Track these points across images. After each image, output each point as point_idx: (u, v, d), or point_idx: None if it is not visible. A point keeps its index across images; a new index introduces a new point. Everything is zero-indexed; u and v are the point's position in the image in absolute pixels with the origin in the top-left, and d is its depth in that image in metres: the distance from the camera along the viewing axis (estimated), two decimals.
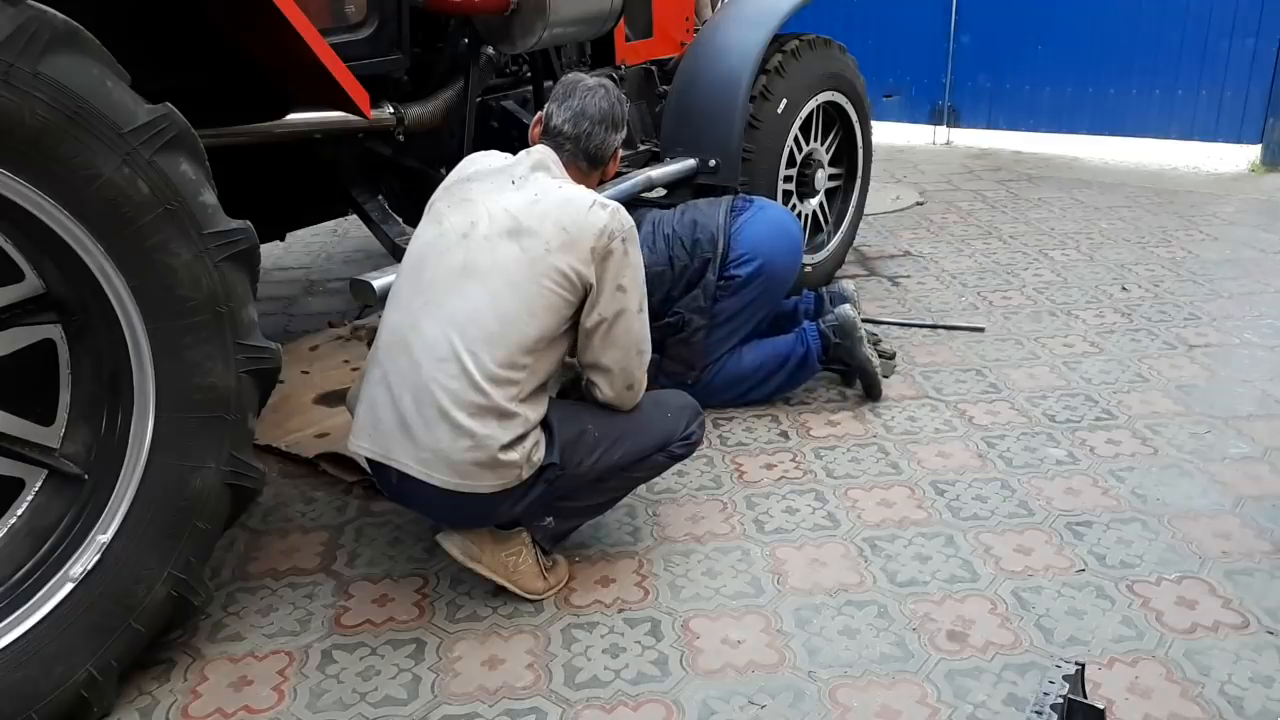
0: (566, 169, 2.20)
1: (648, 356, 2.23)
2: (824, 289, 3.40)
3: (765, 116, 3.56)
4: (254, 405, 2.02)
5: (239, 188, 2.18)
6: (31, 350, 1.88)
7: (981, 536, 2.46)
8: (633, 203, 3.28)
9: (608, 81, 2.29)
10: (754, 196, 3.30)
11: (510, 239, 2.06)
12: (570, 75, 2.29)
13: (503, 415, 2.02)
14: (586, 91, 2.21)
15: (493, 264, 2.05)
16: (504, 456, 2.03)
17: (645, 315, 2.19)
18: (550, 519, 2.26)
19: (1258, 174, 5.86)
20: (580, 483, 2.21)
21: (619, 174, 3.39)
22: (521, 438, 2.05)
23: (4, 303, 1.83)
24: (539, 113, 2.28)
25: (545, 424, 2.13)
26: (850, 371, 3.21)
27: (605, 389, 2.20)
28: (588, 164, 2.24)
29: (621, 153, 2.34)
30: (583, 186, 2.19)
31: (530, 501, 2.15)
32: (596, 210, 2.08)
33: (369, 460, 2.18)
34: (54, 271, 1.84)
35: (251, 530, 2.58)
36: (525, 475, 2.08)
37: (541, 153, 2.19)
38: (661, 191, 3.52)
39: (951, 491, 2.67)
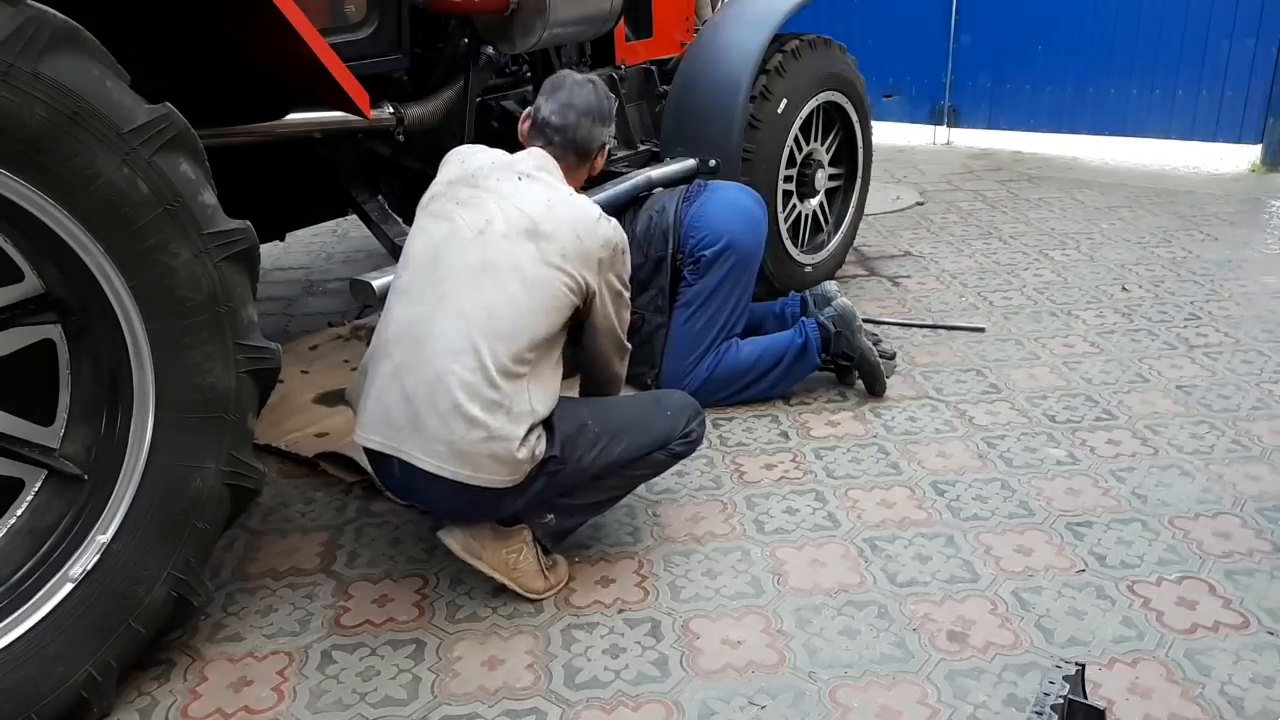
0: (555, 164, 2.24)
1: (626, 339, 2.40)
2: (807, 291, 3.40)
3: (765, 116, 3.56)
4: (254, 405, 2.02)
5: (239, 188, 2.18)
6: (31, 350, 1.87)
7: (982, 537, 2.46)
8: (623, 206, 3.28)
9: (596, 77, 2.34)
10: (710, 181, 3.33)
11: (529, 240, 2.10)
12: (560, 71, 2.35)
13: (512, 409, 2.05)
14: (575, 85, 2.28)
15: (511, 263, 2.09)
16: (516, 449, 2.05)
17: (628, 309, 2.37)
18: (551, 516, 2.26)
19: (1258, 174, 5.86)
20: (581, 478, 2.22)
21: (617, 174, 3.40)
22: (530, 432, 2.07)
23: (4, 303, 1.83)
24: (528, 108, 2.33)
25: (546, 419, 2.14)
26: (848, 369, 3.22)
27: (593, 373, 2.42)
28: (576, 158, 2.29)
29: (610, 148, 2.41)
30: (584, 197, 2.25)
31: (532, 496, 2.16)
32: (603, 224, 2.19)
33: (370, 453, 2.19)
34: (54, 271, 1.84)
35: (251, 530, 2.58)
36: (528, 468, 2.09)
37: (541, 157, 2.23)
38: (661, 191, 3.52)
39: (952, 492, 2.67)
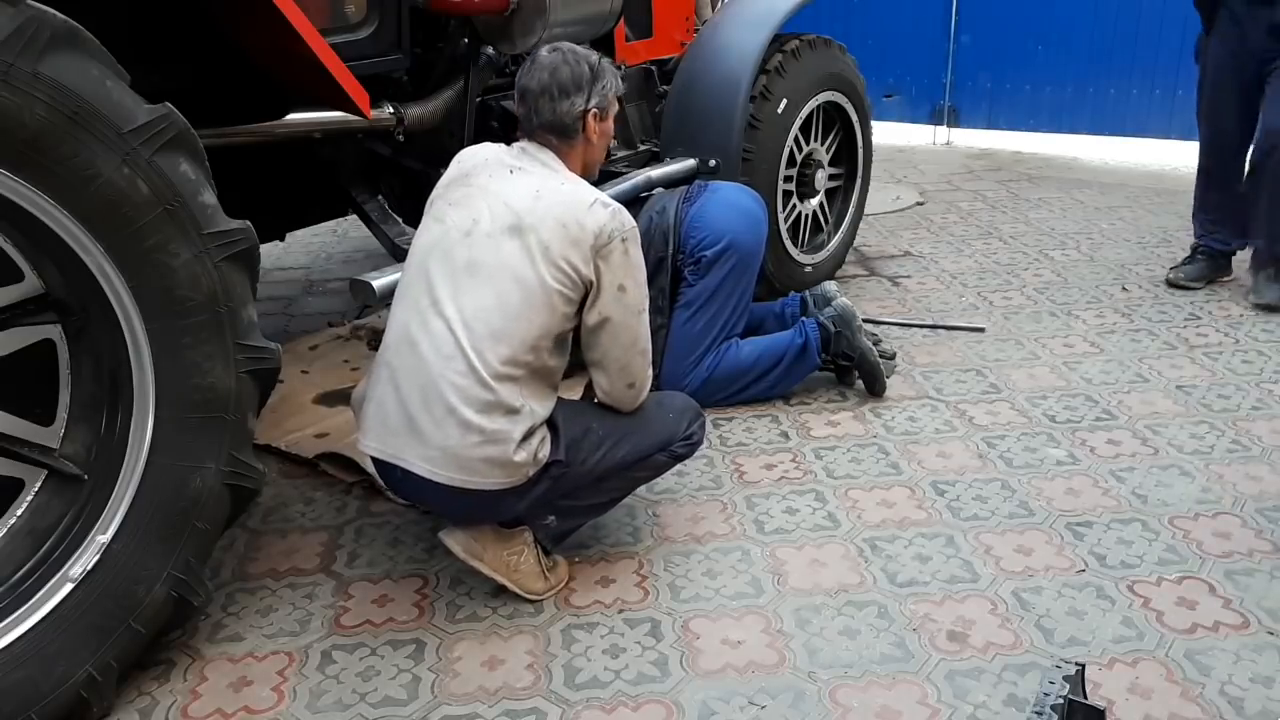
0: (550, 150, 2.17)
1: (649, 357, 2.24)
2: (807, 291, 3.41)
3: (765, 116, 3.56)
4: (254, 405, 2.02)
5: (239, 188, 2.18)
6: (31, 350, 1.87)
7: (982, 537, 2.46)
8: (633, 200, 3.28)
9: (565, 45, 2.20)
10: (710, 181, 3.33)
11: (513, 236, 2.06)
12: (539, 50, 2.21)
13: (510, 411, 2.03)
14: (530, 64, 2.16)
15: (497, 262, 2.05)
16: (513, 451, 2.03)
17: (645, 316, 2.20)
18: (552, 518, 2.26)
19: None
20: (584, 481, 2.21)
21: (618, 174, 3.40)
22: (529, 434, 2.06)
23: (4, 303, 1.83)
24: None
25: (550, 422, 2.14)
26: (848, 369, 3.22)
27: (606, 386, 2.22)
28: (556, 137, 2.17)
29: (597, 111, 2.18)
30: (583, 184, 2.17)
31: (534, 499, 2.16)
32: (597, 209, 2.08)
33: (373, 457, 2.18)
34: (54, 272, 1.84)
35: (251, 530, 2.58)
36: (531, 472, 2.09)
37: (533, 146, 2.18)
38: (662, 191, 3.53)
39: (952, 492, 2.66)
